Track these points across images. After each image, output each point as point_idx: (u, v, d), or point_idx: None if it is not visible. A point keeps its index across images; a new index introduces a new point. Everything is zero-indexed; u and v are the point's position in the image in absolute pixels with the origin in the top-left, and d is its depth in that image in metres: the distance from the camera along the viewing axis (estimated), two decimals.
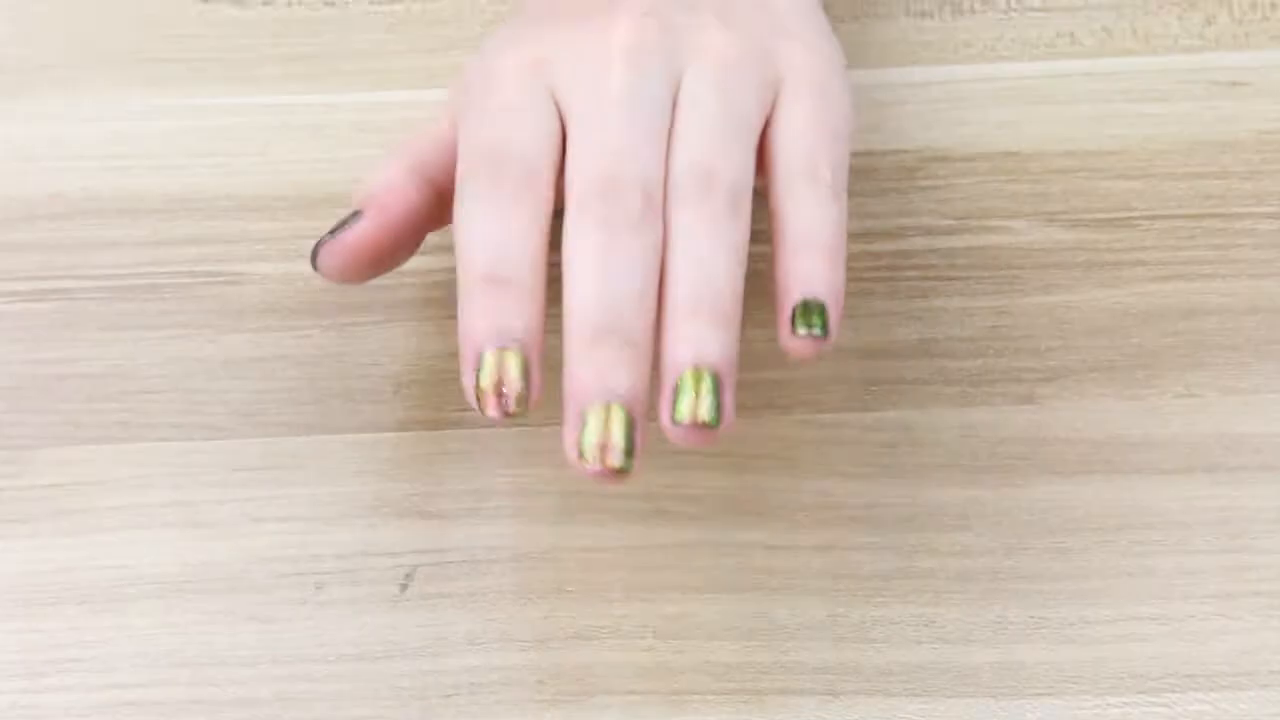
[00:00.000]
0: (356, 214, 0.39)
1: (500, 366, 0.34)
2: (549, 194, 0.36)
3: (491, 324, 0.34)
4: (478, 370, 0.34)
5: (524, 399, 0.34)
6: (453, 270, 0.42)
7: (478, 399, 0.34)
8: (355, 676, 0.38)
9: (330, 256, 0.39)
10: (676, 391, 0.34)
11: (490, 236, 0.35)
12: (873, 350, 0.42)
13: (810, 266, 0.35)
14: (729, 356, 0.34)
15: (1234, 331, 0.42)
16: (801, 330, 0.35)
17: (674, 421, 0.34)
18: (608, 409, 0.33)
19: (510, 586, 0.39)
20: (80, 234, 0.44)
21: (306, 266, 0.43)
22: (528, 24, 0.40)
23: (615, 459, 0.33)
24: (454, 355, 0.41)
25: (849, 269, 0.42)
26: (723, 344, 0.34)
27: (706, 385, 0.34)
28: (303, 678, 0.38)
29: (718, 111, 0.36)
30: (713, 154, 0.36)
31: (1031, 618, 0.38)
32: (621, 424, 0.33)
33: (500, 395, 0.34)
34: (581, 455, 0.33)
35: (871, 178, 0.45)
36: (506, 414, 0.34)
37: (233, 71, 0.47)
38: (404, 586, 0.39)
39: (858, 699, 0.37)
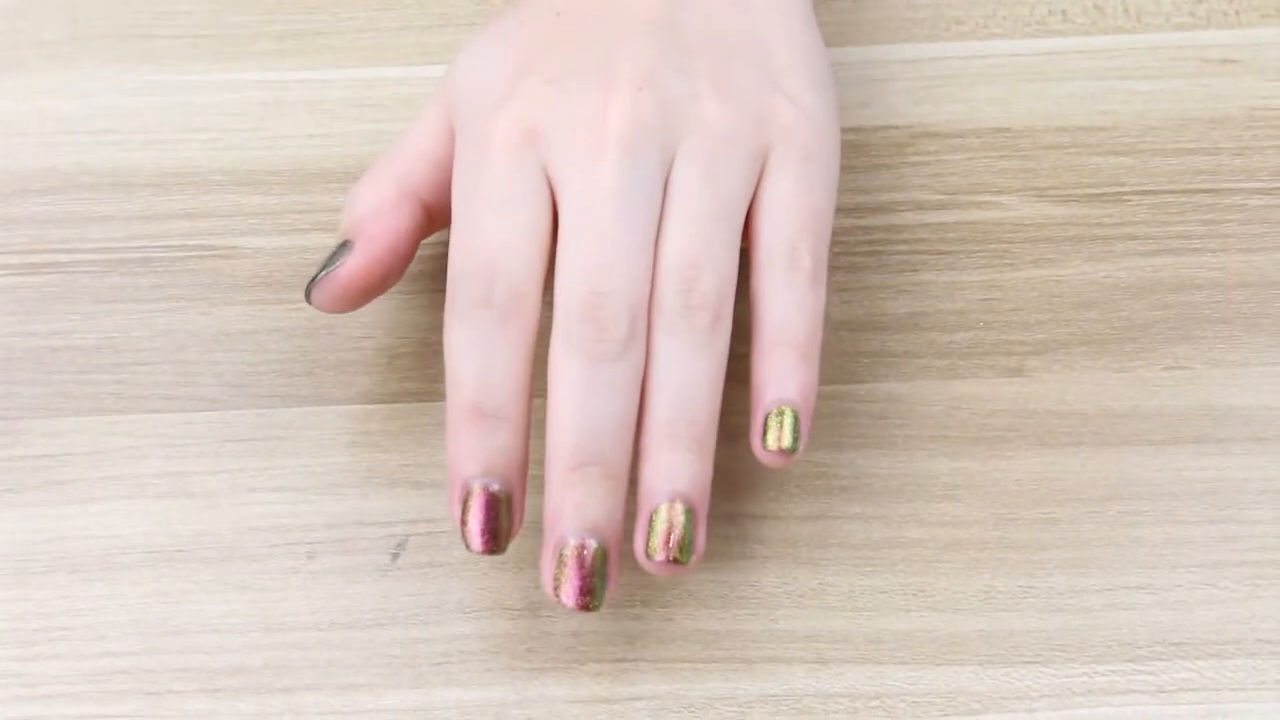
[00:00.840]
0: (345, 245, 0.39)
1: (486, 505, 0.36)
2: (535, 312, 0.37)
3: (478, 459, 0.36)
4: (464, 504, 0.36)
5: (507, 534, 0.36)
6: (445, 244, 0.43)
7: (463, 530, 0.36)
8: (347, 645, 0.38)
9: (323, 293, 0.39)
10: (651, 526, 0.36)
11: (477, 365, 0.36)
12: (863, 323, 0.42)
13: (784, 367, 0.37)
14: (702, 485, 0.36)
15: (1223, 305, 0.42)
16: (771, 445, 0.36)
17: (648, 555, 0.36)
18: (582, 545, 0.35)
19: (502, 556, 0.39)
20: (74, 208, 0.44)
21: (300, 239, 0.44)
22: (523, 63, 0.39)
23: (588, 599, 0.35)
24: None
25: (841, 243, 0.43)
26: (696, 473, 0.36)
27: (680, 521, 0.35)
28: (294, 646, 0.38)
29: (705, 204, 0.37)
30: (697, 256, 0.36)
31: (1020, 587, 0.38)
32: (595, 559, 0.35)
33: (485, 535, 0.36)
34: (556, 591, 0.35)
35: (862, 153, 0.45)
36: (491, 551, 0.36)
37: (226, 47, 0.47)
38: (395, 555, 0.39)
39: (846, 667, 0.38)
